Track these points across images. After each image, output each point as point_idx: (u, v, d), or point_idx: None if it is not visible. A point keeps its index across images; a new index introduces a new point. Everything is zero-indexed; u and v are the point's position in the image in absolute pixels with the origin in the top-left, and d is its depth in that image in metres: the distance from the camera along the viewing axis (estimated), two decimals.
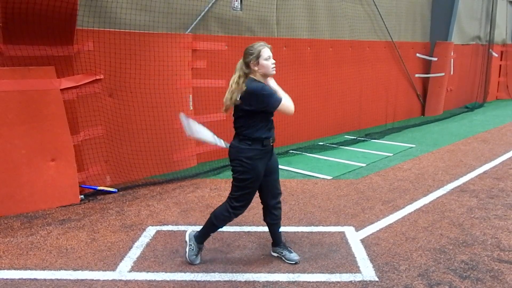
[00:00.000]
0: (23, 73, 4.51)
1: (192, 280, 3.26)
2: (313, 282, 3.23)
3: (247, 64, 3.18)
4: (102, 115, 5.31)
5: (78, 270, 3.41)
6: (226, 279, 3.28)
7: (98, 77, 5.18)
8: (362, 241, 3.92)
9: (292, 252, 3.55)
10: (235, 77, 3.19)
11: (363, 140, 8.28)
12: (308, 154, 7.16)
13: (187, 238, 3.54)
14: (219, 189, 5.39)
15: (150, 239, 3.98)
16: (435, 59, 11.01)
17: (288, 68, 7.43)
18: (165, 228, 4.24)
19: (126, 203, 4.93)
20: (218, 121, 6.48)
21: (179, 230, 4.18)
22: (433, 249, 3.75)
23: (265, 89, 3.15)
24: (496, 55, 14.07)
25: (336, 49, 8.52)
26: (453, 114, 11.46)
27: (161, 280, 3.26)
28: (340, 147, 7.73)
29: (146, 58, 5.53)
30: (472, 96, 13.30)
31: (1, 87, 4.41)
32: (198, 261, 3.50)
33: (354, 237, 4.01)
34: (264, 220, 3.55)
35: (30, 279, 3.28)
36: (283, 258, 3.53)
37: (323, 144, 7.91)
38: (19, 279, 3.28)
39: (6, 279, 3.28)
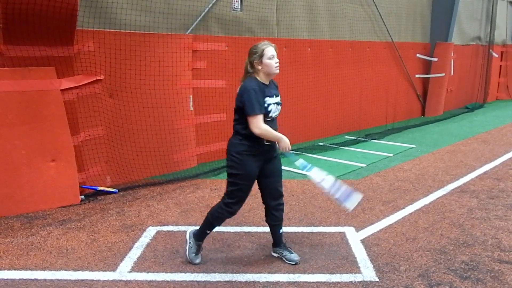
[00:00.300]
0: (23, 73, 4.52)
1: (192, 281, 3.26)
2: (313, 282, 3.23)
3: (251, 64, 3.21)
4: (103, 115, 5.31)
5: (79, 270, 3.41)
6: (227, 279, 3.28)
7: (98, 78, 5.18)
8: (363, 241, 3.92)
9: (292, 253, 3.55)
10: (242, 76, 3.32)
11: (363, 141, 8.28)
12: (308, 155, 7.16)
13: (187, 236, 3.56)
14: (219, 189, 5.39)
15: (151, 240, 3.98)
16: (435, 59, 11.01)
17: (288, 69, 7.43)
18: (165, 228, 4.24)
19: (126, 203, 4.93)
20: (218, 121, 6.49)
21: (180, 231, 4.17)
22: (433, 250, 3.74)
23: (253, 90, 3.12)
24: (496, 56, 14.07)
25: (336, 49, 8.52)
26: (453, 114, 11.46)
27: (162, 281, 3.26)
28: (340, 147, 7.73)
29: (146, 59, 5.53)
30: (472, 97, 13.30)
31: (1, 88, 4.41)
32: (197, 260, 3.51)
33: (354, 237, 4.00)
34: (266, 221, 3.55)
35: (31, 279, 3.28)
36: (284, 259, 3.53)
37: (323, 145, 7.91)
38: (20, 279, 3.28)
39: (7, 279, 3.28)
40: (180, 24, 6.03)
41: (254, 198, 3.87)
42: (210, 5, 6.34)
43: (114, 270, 3.42)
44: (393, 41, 9.85)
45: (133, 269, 3.43)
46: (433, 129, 9.60)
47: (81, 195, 4.98)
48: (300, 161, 3.44)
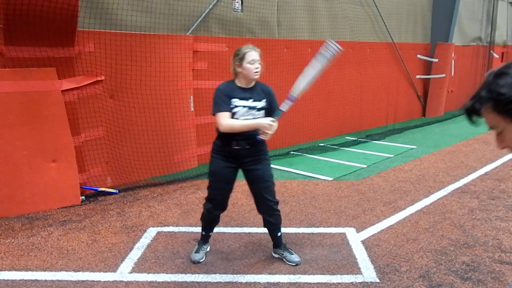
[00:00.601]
0: (24, 74, 4.52)
1: (193, 282, 3.26)
2: (314, 283, 3.23)
3: (234, 65, 3.26)
4: (103, 116, 5.32)
5: (79, 271, 3.41)
6: (227, 280, 3.28)
7: (99, 79, 5.18)
8: (363, 242, 3.92)
9: (293, 254, 3.55)
10: None
11: (364, 141, 8.28)
12: (309, 155, 7.16)
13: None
14: None
15: (151, 240, 3.98)
16: (436, 60, 11.01)
17: (288, 69, 7.43)
18: (166, 229, 4.24)
19: (127, 204, 4.93)
20: None
21: (180, 231, 4.17)
22: (434, 251, 3.74)
23: (218, 90, 3.22)
24: (497, 56, 14.05)
25: None
26: (454, 115, 11.45)
27: (162, 281, 3.26)
28: (341, 148, 7.73)
29: (147, 60, 5.53)
30: None
31: (2, 89, 4.42)
32: (196, 258, 3.53)
33: (355, 238, 4.00)
34: (264, 226, 3.57)
35: (31, 280, 3.28)
36: (284, 260, 3.53)
37: (324, 145, 7.91)
38: (20, 280, 3.28)
39: (7, 280, 3.28)
40: (181, 25, 6.03)
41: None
42: (211, 6, 6.34)
43: (114, 271, 3.42)
44: (394, 42, 9.85)
45: (133, 270, 3.43)
46: (434, 129, 9.60)
47: (81, 195, 4.98)
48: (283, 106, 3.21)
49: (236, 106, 3.18)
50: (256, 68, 3.17)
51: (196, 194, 5.24)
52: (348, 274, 3.36)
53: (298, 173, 6.13)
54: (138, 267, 3.47)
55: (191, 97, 6.11)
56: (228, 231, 4.15)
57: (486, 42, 13.33)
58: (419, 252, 3.71)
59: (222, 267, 3.47)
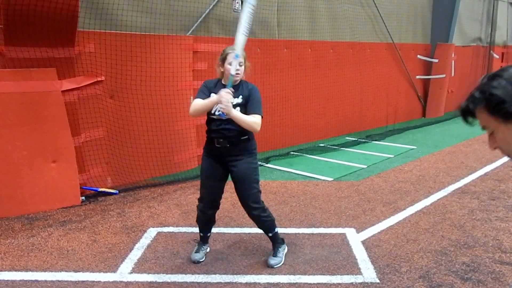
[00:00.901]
0: (24, 74, 4.52)
1: (193, 282, 3.26)
2: (314, 284, 3.23)
3: (217, 65, 3.32)
4: (103, 116, 5.32)
5: (79, 271, 3.41)
6: (227, 280, 3.28)
7: (99, 79, 5.19)
8: (363, 242, 3.92)
9: (274, 257, 3.51)
10: None
11: (364, 142, 8.28)
12: (309, 156, 7.16)
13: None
14: None
15: (151, 241, 3.98)
16: (436, 60, 11.01)
17: (288, 70, 7.44)
18: (166, 229, 4.24)
19: (127, 204, 4.93)
20: None
21: (180, 232, 4.18)
22: (434, 251, 3.74)
23: (203, 84, 3.31)
24: (497, 57, 14.06)
25: (336, 50, 8.52)
26: (454, 115, 11.44)
27: (162, 282, 3.26)
28: (341, 148, 7.73)
29: (147, 60, 5.54)
30: None
31: (2, 89, 4.42)
32: (196, 258, 3.54)
33: (355, 238, 4.00)
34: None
35: (31, 280, 3.28)
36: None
37: (324, 146, 7.91)
38: (20, 280, 3.28)
39: (7, 280, 3.28)
40: (181, 25, 6.04)
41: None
42: (211, 6, 6.34)
43: (114, 271, 3.42)
44: (394, 42, 9.85)
45: (133, 270, 3.43)
46: (434, 130, 9.60)
47: (81, 196, 4.98)
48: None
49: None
50: (237, 70, 3.18)
51: (196, 195, 5.18)
52: (348, 274, 3.36)
53: (298, 174, 6.13)
54: (138, 268, 3.47)
55: (191, 97, 6.11)
56: (228, 231, 4.15)
57: (486, 42, 13.33)
58: (419, 253, 3.71)
59: (222, 268, 3.47)
